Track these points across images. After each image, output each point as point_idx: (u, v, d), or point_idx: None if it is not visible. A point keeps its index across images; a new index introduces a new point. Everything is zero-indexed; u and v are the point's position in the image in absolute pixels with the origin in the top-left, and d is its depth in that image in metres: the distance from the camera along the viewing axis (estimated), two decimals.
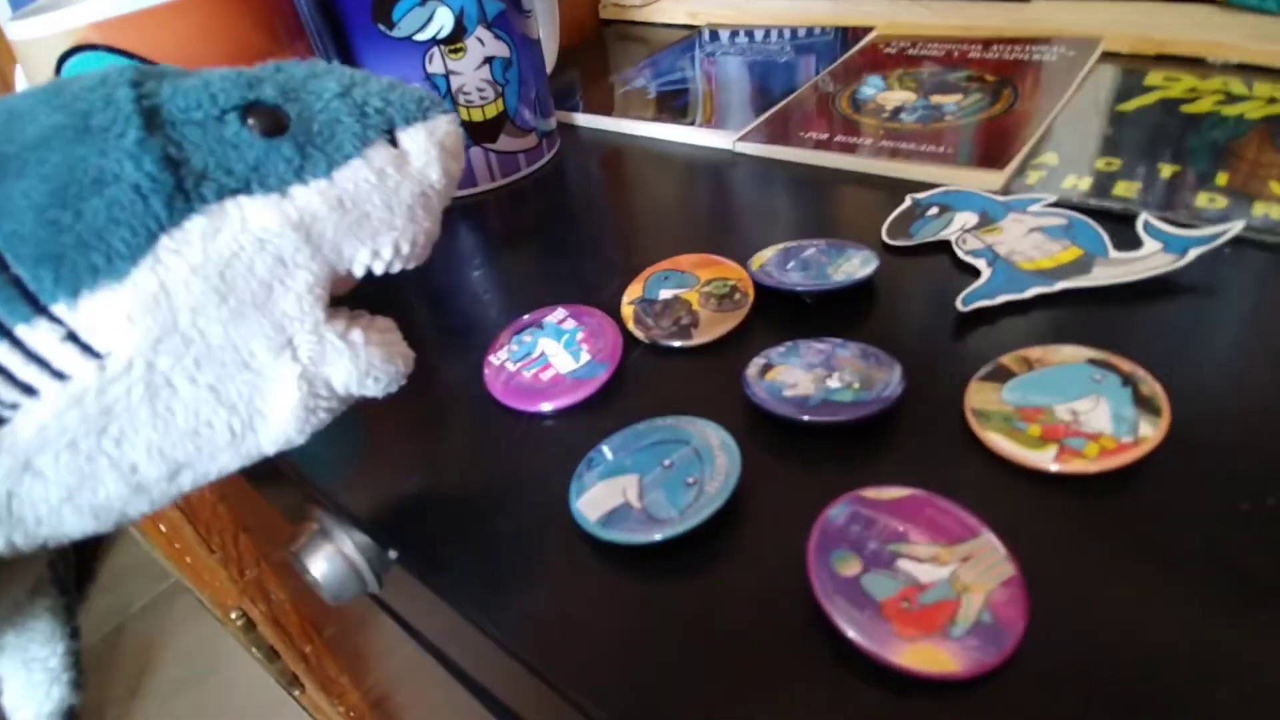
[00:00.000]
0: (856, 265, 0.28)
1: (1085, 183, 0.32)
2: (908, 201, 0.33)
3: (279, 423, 0.19)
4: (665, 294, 0.29)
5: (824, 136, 0.39)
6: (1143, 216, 0.29)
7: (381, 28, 0.36)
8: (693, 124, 0.43)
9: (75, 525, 0.18)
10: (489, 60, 0.38)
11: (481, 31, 0.37)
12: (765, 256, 0.30)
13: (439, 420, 0.27)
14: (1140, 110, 0.37)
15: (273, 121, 0.19)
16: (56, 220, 0.16)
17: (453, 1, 0.35)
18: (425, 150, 0.21)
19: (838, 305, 0.28)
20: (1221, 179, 0.31)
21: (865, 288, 0.28)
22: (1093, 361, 0.23)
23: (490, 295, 0.33)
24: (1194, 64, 0.41)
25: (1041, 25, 0.46)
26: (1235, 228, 0.27)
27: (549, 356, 0.27)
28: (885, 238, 0.31)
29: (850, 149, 0.37)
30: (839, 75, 0.45)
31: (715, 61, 0.50)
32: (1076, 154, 0.34)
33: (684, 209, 0.37)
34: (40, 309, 0.16)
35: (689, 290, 0.29)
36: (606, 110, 0.47)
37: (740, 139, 0.40)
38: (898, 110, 0.40)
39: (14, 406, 0.16)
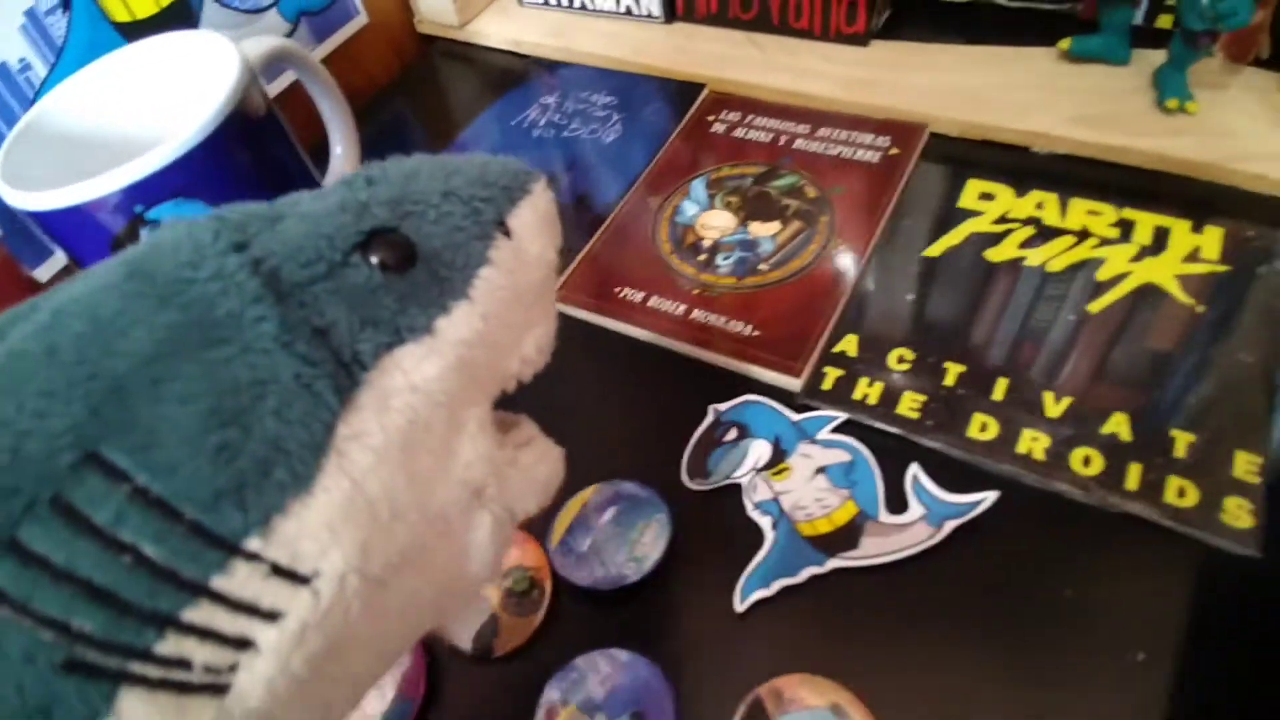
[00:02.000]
0: (649, 543, 0.30)
1: (876, 391, 0.32)
2: (710, 415, 0.33)
3: (478, 576, 0.18)
4: None
5: (639, 297, 0.37)
6: (912, 470, 0.30)
7: None
8: None
9: None
10: None
11: None
12: (565, 521, 0.31)
13: None
14: (947, 256, 0.36)
15: (401, 252, 0.16)
16: (225, 445, 0.13)
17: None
18: (536, 230, 0.19)
19: (629, 593, 0.30)
20: (999, 390, 0.32)
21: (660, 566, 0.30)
22: (833, 708, 0.25)
23: None
24: (1020, 152, 0.40)
25: (871, 94, 0.43)
26: (987, 500, 0.29)
27: None
28: (685, 478, 0.32)
29: (664, 323, 0.36)
30: (664, 175, 0.42)
31: (537, 143, 0.46)
32: (875, 335, 0.34)
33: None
34: (232, 549, 0.13)
35: (489, 584, 0.30)
36: None
37: (558, 296, 0.39)
38: (715, 250, 0.38)
39: (232, 668, 0.14)
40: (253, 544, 0.13)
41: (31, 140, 0.34)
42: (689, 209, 0.41)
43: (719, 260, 0.38)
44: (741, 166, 0.42)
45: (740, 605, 0.28)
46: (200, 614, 0.13)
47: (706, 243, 0.39)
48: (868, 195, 0.39)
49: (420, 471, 0.16)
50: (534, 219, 0.19)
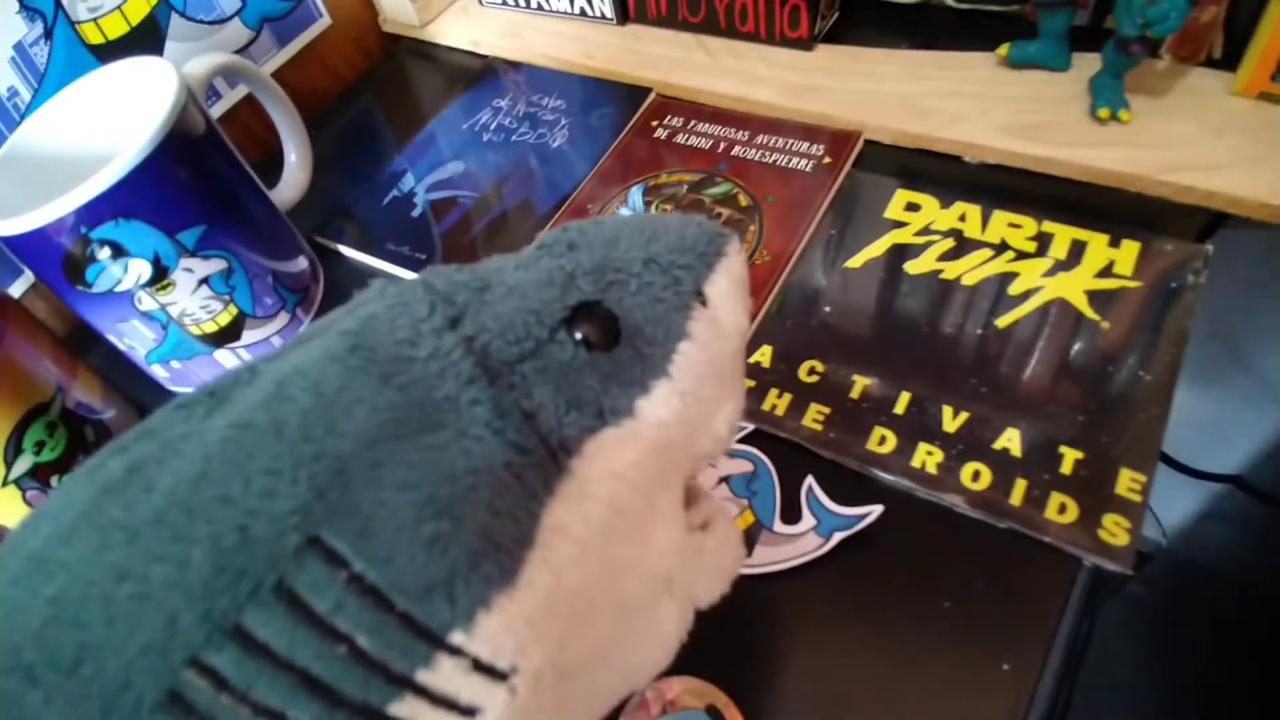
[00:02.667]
0: None
1: (784, 402, 0.34)
2: None
3: (659, 666, 0.18)
4: None
5: None
6: (807, 481, 0.31)
7: (80, 288, 0.34)
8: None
9: None
10: (205, 280, 0.36)
11: (187, 261, 0.35)
12: None
13: None
14: (867, 267, 0.37)
15: (606, 328, 0.16)
16: (438, 535, 0.13)
17: (142, 251, 0.34)
18: (732, 298, 0.18)
19: None
20: (901, 404, 0.32)
21: None
22: (709, 710, 0.27)
23: None
24: (953, 161, 0.40)
25: (811, 100, 0.43)
26: (874, 514, 0.30)
27: None
28: None
29: None
30: (606, 181, 0.43)
31: (488, 147, 0.47)
32: (790, 347, 0.35)
33: None
34: (438, 643, 0.13)
35: None
36: (369, 241, 0.45)
37: None
38: None
39: None
40: (457, 638, 0.13)
41: (10, 169, 0.36)
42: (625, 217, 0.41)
43: None
44: (679, 174, 0.43)
45: None
46: (405, 708, 0.13)
47: None
48: (797, 204, 0.40)
49: (617, 562, 0.15)
50: (730, 286, 0.18)
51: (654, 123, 0.45)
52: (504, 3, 0.54)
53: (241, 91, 0.50)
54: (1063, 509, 0.29)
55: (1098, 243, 0.35)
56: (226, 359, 0.40)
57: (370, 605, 0.13)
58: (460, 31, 0.54)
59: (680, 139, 0.44)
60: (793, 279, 0.37)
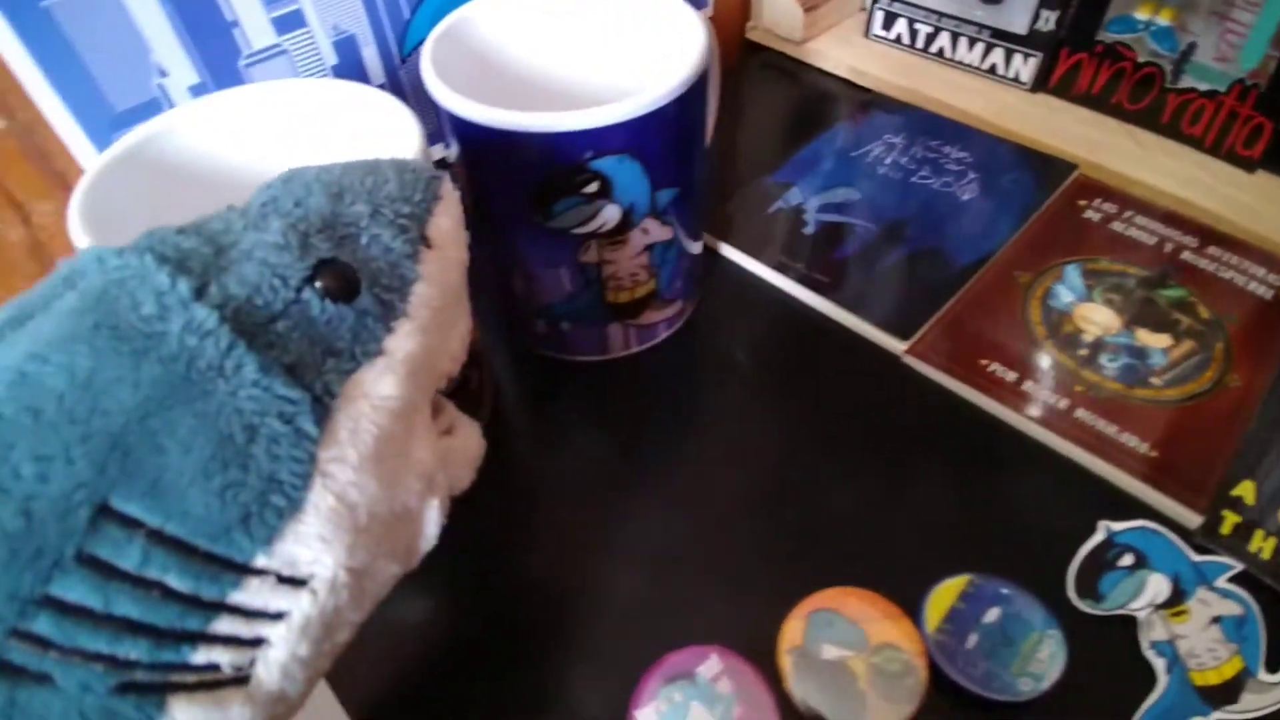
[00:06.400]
0: (1044, 660, 0.27)
1: (1270, 546, 0.29)
2: (1101, 533, 0.30)
3: (425, 547, 0.20)
4: (829, 652, 0.27)
5: (1011, 377, 0.34)
6: None
7: (536, 218, 0.30)
8: (857, 309, 0.37)
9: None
10: (649, 248, 0.33)
11: (648, 222, 0.32)
12: (941, 608, 0.28)
13: None
14: None
15: (347, 284, 0.17)
16: (229, 484, 0.15)
17: (623, 197, 0.30)
18: (453, 236, 0.20)
19: (1015, 707, 0.26)
20: None
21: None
22: None
23: (623, 566, 0.30)
24: None
25: (1258, 222, 0.40)
26: None
27: None
28: (1073, 595, 0.29)
29: (1042, 413, 0.33)
30: (1030, 251, 0.39)
31: (883, 181, 0.44)
32: (1272, 486, 0.31)
33: (850, 458, 0.33)
34: (243, 569, 0.15)
35: (856, 655, 0.27)
36: (756, 247, 0.41)
37: (910, 349, 0.36)
38: (1097, 348, 0.35)
39: (252, 663, 0.16)
40: (259, 561, 0.15)
41: (452, 40, 0.33)
42: (1064, 295, 0.38)
43: (1103, 360, 0.35)
44: (1122, 264, 0.39)
45: None
46: (223, 625, 0.15)
47: (1087, 338, 0.36)
48: (1264, 330, 0.35)
49: (387, 474, 0.17)
50: (451, 225, 0.20)
51: (1081, 201, 0.42)
52: (896, 40, 0.51)
53: None
54: None
55: None
56: (614, 334, 0.36)
57: (174, 552, 0.14)
58: (840, 58, 0.51)
59: (1117, 226, 0.40)
60: (1268, 411, 0.33)
